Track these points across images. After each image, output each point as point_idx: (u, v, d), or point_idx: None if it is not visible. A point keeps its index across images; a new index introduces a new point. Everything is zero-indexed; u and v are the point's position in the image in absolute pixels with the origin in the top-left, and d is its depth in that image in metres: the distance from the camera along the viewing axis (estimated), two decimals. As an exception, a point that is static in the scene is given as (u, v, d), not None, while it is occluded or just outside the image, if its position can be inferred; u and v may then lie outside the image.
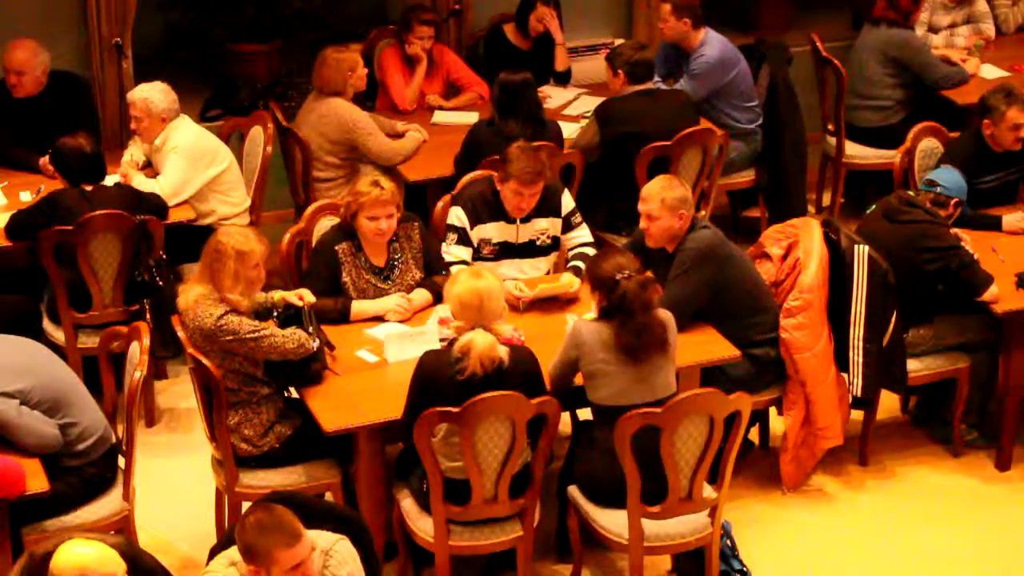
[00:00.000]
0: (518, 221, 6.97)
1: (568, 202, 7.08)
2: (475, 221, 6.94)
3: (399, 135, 8.24)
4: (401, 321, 6.56)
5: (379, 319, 6.58)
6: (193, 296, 6.07)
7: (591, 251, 6.98)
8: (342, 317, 6.51)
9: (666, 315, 6.01)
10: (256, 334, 5.99)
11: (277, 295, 6.30)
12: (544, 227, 7.03)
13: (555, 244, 7.08)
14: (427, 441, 5.73)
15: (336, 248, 6.64)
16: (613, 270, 5.93)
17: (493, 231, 6.98)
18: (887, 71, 8.90)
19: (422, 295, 6.67)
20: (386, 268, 6.71)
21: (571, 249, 7.04)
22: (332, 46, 8.12)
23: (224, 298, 6.04)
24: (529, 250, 7.02)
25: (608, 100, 8.11)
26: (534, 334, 6.38)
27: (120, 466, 6.14)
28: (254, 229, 6.29)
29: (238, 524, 4.78)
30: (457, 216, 6.94)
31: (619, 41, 9.45)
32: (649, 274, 6.04)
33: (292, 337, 6.06)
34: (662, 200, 6.51)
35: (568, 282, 6.78)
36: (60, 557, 4.56)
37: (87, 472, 5.96)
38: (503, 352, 5.74)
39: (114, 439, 6.11)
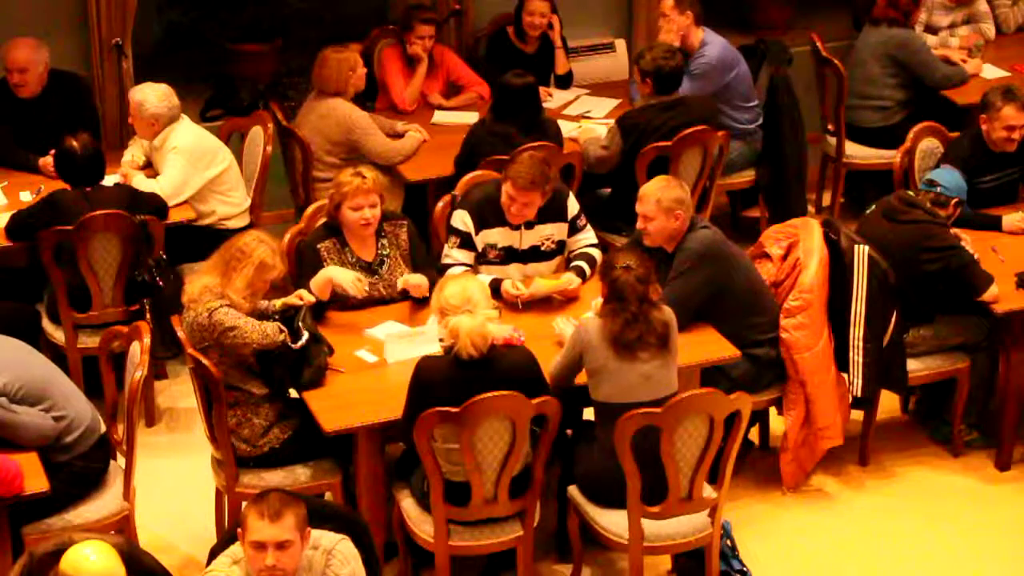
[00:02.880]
0: (522, 227, 6.94)
1: (574, 205, 7.05)
2: (481, 225, 6.89)
3: (399, 135, 8.25)
4: (401, 321, 6.57)
5: (382, 317, 6.58)
6: (199, 287, 6.09)
7: (595, 252, 6.97)
8: (318, 304, 6.47)
9: (668, 314, 6.02)
10: (233, 323, 6.00)
11: (279, 302, 6.29)
12: (549, 232, 7.00)
13: (560, 248, 7.05)
14: (427, 442, 5.73)
15: (319, 247, 6.63)
16: (617, 261, 5.98)
17: (498, 236, 6.93)
18: (887, 71, 8.90)
19: (420, 278, 6.65)
20: (375, 263, 6.71)
21: (574, 251, 7.03)
22: (332, 46, 8.13)
23: (226, 294, 6.05)
24: (534, 256, 6.98)
25: (631, 112, 8.04)
26: (534, 334, 6.38)
27: (112, 459, 6.14)
28: (280, 245, 6.29)
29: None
30: (462, 220, 6.89)
31: (619, 41, 9.48)
32: (653, 277, 6.06)
33: (258, 328, 6.05)
34: (657, 201, 6.52)
35: (568, 279, 6.77)
36: (67, 562, 4.55)
37: (76, 466, 5.95)
38: (494, 329, 5.74)
39: (103, 429, 6.10)
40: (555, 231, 7.01)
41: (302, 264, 6.68)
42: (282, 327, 6.10)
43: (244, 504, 5.01)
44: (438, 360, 5.84)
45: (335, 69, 8.03)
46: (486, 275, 6.75)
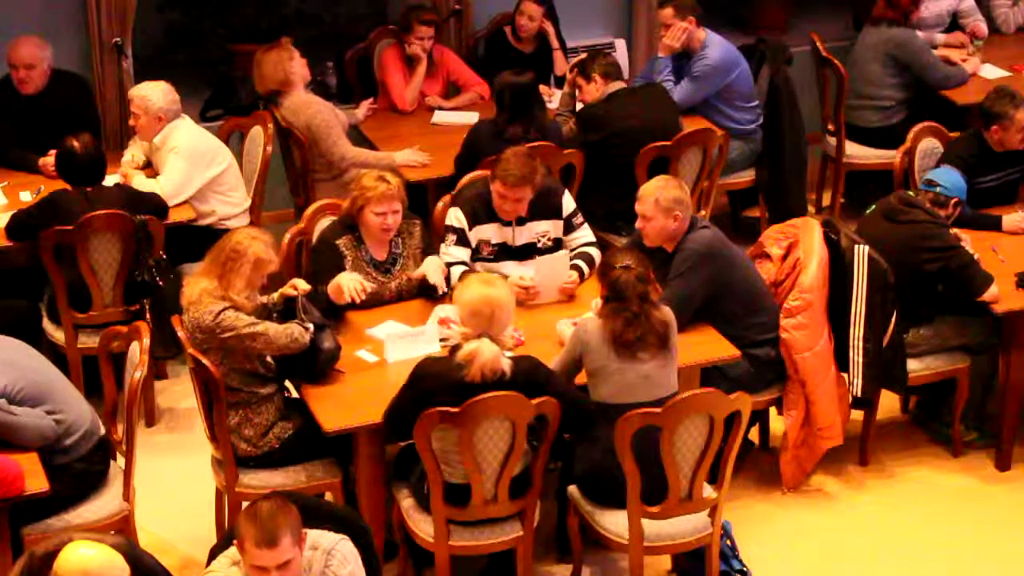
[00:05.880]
0: (513, 223, 6.95)
1: (569, 203, 7.07)
2: (474, 222, 6.93)
3: (357, 121, 8.34)
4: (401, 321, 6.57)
5: (382, 317, 6.58)
6: (198, 290, 6.08)
7: (594, 251, 6.98)
8: (329, 304, 6.48)
9: (668, 313, 6.02)
10: (251, 329, 6.00)
11: (276, 295, 6.30)
12: (545, 229, 7.01)
13: (557, 246, 7.06)
14: (427, 442, 5.73)
15: (337, 243, 6.65)
16: (615, 261, 5.99)
17: (491, 232, 6.96)
18: (887, 71, 8.89)
19: (435, 263, 6.67)
20: (387, 262, 6.72)
21: (573, 250, 7.03)
22: (260, 48, 8.18)
23: (227, 296, 6.05)
24: (529, 252, 6.99)
25: (588, 106, 8.09)
26: (534, 334, 6.38)
27: (112, 459, 6.15)
28: (272, 238, 6.29)
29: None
30: (456, 217, 6.93)
31: (619, 41, 9.49)
32: (652, 276, 6.06)
33: (284, 332, 6.06)
34: (656, 200, 6.53)
35: (564, 255, 6.83)
36: (64, 558, 4.55)
37: (76, 468, 5.95)
38: (506, 365, 5.72)
39: (102, 431, 6.10)
40: (551, 228, 7.02)
41: (319, 260, 6.68)
42: (306, 326, 6.10)
43: (242, 505, 5.00)
44: (440, 364, 5.81)
45: (271, 64, 8.07)
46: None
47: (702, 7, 8.62)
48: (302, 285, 6.29)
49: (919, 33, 9.08)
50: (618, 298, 5.96)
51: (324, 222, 6.98)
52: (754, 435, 7.20)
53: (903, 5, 8.90)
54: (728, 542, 6.38)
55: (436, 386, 5.71)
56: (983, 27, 9.54)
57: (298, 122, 8.00)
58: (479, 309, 5.75)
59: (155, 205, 7.33)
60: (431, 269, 6.66)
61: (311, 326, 6.12)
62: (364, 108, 8.51)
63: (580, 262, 6.90)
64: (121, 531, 5.95)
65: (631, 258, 6.01)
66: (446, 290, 6.62)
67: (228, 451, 6.11)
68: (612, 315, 5.96)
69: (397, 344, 6.33)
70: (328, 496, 6.22)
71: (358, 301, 6.46)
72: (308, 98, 8.10)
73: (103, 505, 6.03)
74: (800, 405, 6.84)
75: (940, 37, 9.36)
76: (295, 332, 6.08)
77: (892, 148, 8.29)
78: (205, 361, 6.01)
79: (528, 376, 5.77)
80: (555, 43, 8.98)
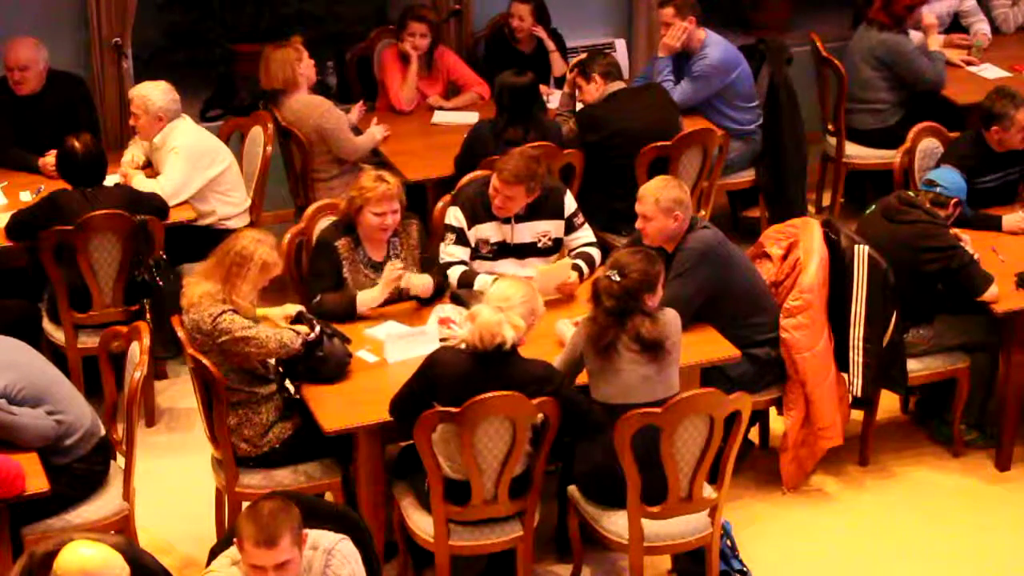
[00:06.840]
0: (512, 221, 6.96)
1: (570, 203, 7.08)
2: (473, 221, 6.94)
3: (355, 127, 8.30)
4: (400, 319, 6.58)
5: (382, 317, 6.58)
6: (199, 292, 6.07)
7: (594, 251, 6.98)
8: (347, 314, 6.50)
9: (666, 317, 5.99)
10: (245, 332, 5.99)
11: (259, 312, 6.25)
12: (545, 229, 7.02)
13: (557, 246, 7.07)
14: (427, 441, 5.73)
15: (336, 244, 6.66)
16: (608, 264, 6.00)
17: (490, 231, 6.97)
18: (879, 74, 8.88)
19: (423, 280, 6.66)
20: (384, 262, 6.72)
21: (573, 250, 7.04)
22: (270, 44, 8.17)
23: (230, 299, 6.04)
24: (529, 251, 7.01)
25: (587, 107, 8.09)
26: (534, 334, 6.36)
27: (112, 459, 6.15)
28: (275, 239, 6.28)
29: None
30: (455, 216, 6.94)
31: (619, 41, 9.49)
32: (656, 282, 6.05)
33: (275, 337, 6.05)
34: (656, 201, 6.52)
35: (565, 264, 6.82)
36: (64, 558, 4.56)
37: (77, 468, 5.95)
38: (509, 335, 5.70)
39: (102, 432, 6.10)
40: (552, 228, 7.02)
41: (317, 264, 6.69)
42: (297, 331, 6.10)
43: (242, 505, 5.00)
44: (455, 354, 5.82)
45: (280, 63, 8.08)
46: (487, 275, 6.76)
47: (702, 7, 8.62)
48: (290, 309, 6.28)
49: (917, 34, 9.08)
50: (593, 302, 5.97)
51: (324, 222, 6.98)
52: (754, 435, 7.20)
53: (897, 11, 8.86)
54: (728, 542, 6.38)
55: (444, 374, 5.72)
56: (986, 29, 9.53)
57: (304, 124, 7.99)
58: (503, 289, 5.83)
59: (155, 205, 7.33)
60: (418, 285, 6.67)
61: (319, 329, 6.11)
62: (355, 112, 8.48)
63: (580, 262, 6.91)
64: (121, 531, 5.96)
65: (634, 261, 5.96)
66: (450, 288, 6.65)
67: (228, 451, 6.12)
68: (587, 319, 5.98)
69: (397, 344, 6.33)
70: (328, 496, 6.22)
71: (400, 280, 6.55)
72: (315, 99, 8.09)
73: (103, 505, 6.03)
74: (800, 405, 6.84)
75: (938, 39, 9.35)
76: (285, 338, 6.07)
77: (892, 148, 8.29)
78: (205, 361, 6.01)
79: (540, 382, 5.76)
80: (550, 45, 8.98)
